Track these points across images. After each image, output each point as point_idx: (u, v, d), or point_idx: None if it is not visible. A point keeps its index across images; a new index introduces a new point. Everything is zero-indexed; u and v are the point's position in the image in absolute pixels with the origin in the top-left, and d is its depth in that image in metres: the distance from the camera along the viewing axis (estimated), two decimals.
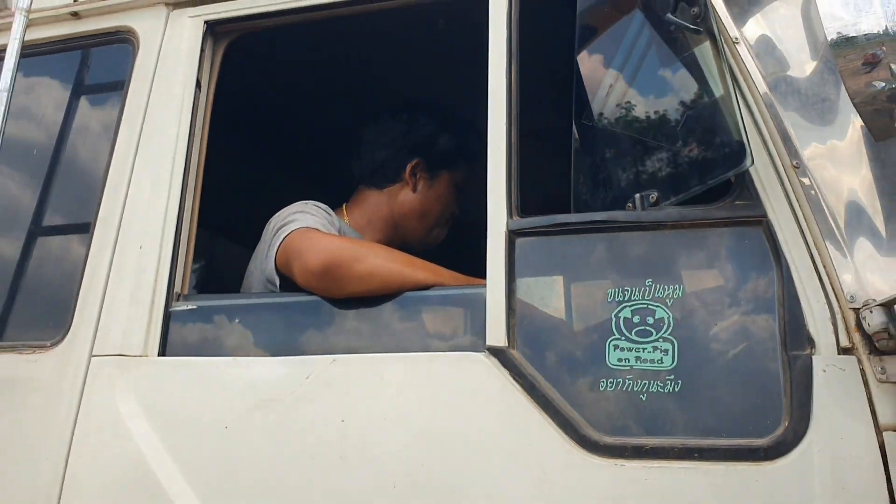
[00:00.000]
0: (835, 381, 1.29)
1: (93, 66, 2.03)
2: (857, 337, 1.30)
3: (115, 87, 1.95)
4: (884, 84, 1.08)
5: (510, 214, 1.52)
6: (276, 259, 1.74)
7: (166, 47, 1.91)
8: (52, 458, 1.60)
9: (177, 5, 1.94)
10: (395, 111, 2.15)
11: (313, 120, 2.62)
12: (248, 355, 1.60)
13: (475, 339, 1.48)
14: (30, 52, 1.96)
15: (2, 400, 1.71)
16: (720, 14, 1.49)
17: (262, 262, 1.80)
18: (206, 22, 1.91)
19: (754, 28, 1.51)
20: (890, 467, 1.24)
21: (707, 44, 1.43)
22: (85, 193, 1.86)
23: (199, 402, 1.57)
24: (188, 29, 1.91)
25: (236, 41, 1.95)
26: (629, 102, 1.54)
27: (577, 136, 1.58)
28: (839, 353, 1.30)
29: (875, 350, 1.29)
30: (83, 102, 2.01)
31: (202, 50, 1.89)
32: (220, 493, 1.50)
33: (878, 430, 1.25)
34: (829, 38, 1.14)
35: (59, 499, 1.57)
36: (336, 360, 1.52)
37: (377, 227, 2.09)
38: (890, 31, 1.07)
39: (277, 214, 1.88)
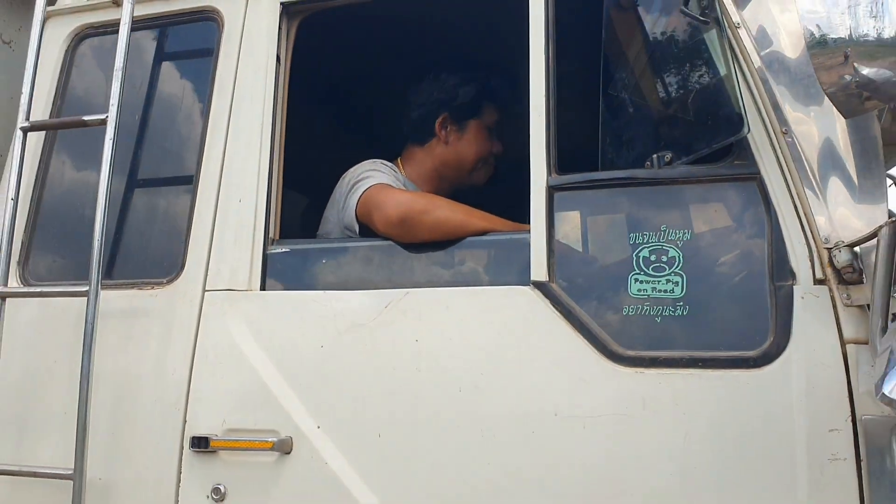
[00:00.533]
0: (811, 306, 1.64)
1: (183, 41, 2.34)
2: (829, 271, 1.64)
3: (204, 59, 2.26)
4: (850, 78, 1.39)
5: (549, 172, 1.85)
6: (357, 210, 2.09)
7: (248, 26, 2.21)
8: (178, 375, 1.98)
9: None
10: (426, 73, 2.47)
11: (372, 86, 2.93)
12: (335, 289, 1.96)
13: (522, 275, 1.83)
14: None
15: (126, 328, 2.07)
16: (725, 3, 1.79)
17: (340, 212, 2.15)
18: (281, 3, 2.21)
19: (753, 13, 1.81)
20: (850, 372, 1.59)
21: (713, 30, 1.74)
22: (187, 153, 2.19)
23: (298, 327, 1.94)
24: (266, 10, 2.21)
25: (307, 19, 2.26)
26: (647, 79, 1.86)
27: (603, 106, 1.91)
28: (815, 284, 1.65)
29: (843, 281, 1.63)
30: (177, 72, 2.33)
31: (280, 28, 2.20)
32: (318, 399, 1.87)
33: (843, 343, 1.61)
34: (805, 36, 1.45)
35: (186, 408, 1.95)
36: (409, 293, 1.88)
37: (426, 178, 2.42)
38: (855, 36, 1.37)
39: (352, 170, 2.22)
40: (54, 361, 2.11)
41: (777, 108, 1.73)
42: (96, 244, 1.97)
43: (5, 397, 2.08)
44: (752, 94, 1.76)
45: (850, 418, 1.56)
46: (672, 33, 1.81)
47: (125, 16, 2.12)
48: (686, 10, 1.74)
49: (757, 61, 1.76)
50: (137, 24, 2.26)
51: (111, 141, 2.03)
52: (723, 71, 1.74)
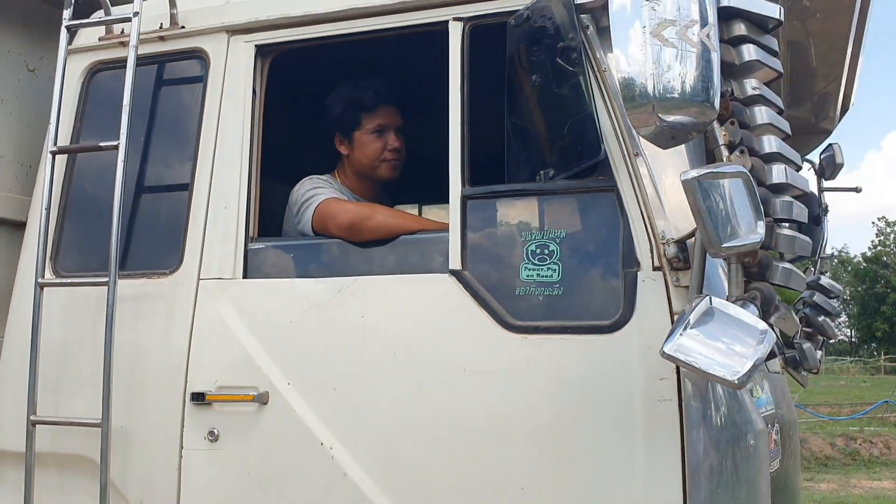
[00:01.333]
0: (650, 287, 2.19)
1: (178, 74, 2.88)
2: (663, 260, 2.19)
3: (195, 89, 2.80)
4: (657, 124, 1.91)
5: (463, 185, 2.40)
6: (313, 222, 2.64)
7: (230, 63, 2.74)
8: (179, 345, 2.55)
9: (234, 32, 2.76)
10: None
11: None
12: (301, 277, 2.53)
13: (442, 265, 2.38)
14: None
15: (138, 309, 2.64)
16: (595, 54, 2.32)
17: (296, 224, 2.70)
18: (256, 45, 2.74)
19: (614, 60, 2.33)
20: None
21: (582, 74, 2.28)
22: (182, 167, 2.74)
23: (272, 307, 2.51)
24: (244, 50, 2.74)
25: (278, 57, 2.79)
26: (535, 111, 2.40)
27: (507, 131, 2.45)
28: (653, 270, 2.20)
29: (673, 268, 2.18)
30: (174, 100, 2.86)
31: (255, 65, 2.73)
32: (288, 362, 2.44)
33: (671, 314, 2.16)
34: (620, 91, 1.96)
35: (187, 372, 2.52)
36: (356, 280, 2.45)
37: (353, 182, 2.94)
38: (656, 94, 1.89)
39: (298, 189, 2.77)
40: (82, 336, 2.68)
41: (631, 135, 2.26)
42: (113, 243, 2.53)
43: (46, 365, 2.64)
44: (613, 125, 2.30)
45: (676, 370, 2.12)
46: (551, 76, 2.34)
47: (130, 60, 2.66)
48: (560, 61, 2.28)
49: (619, 98, 2.29)
50: (141, 61, 2.77)
51: (122, 162, 2.58)
52: (590, 107, 2.28)
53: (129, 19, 2.69)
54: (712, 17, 1.91)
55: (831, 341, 3.82)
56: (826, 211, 3.96)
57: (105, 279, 2.54)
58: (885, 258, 61.75)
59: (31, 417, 2.59)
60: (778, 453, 2.43)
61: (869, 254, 64.01)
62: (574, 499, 2.17)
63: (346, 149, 2.94)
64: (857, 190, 4.06)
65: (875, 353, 44.84)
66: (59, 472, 2.68)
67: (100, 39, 2.93)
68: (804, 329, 3.71)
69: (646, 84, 1.88)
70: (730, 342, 1.83)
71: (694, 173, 1.82)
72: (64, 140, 2.87)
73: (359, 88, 2.92)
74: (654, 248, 2.21)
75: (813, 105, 3.69)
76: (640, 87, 1.88)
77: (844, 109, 3.79)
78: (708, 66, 1.88)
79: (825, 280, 3.72)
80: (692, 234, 2.12)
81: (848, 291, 68.80)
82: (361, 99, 2.91)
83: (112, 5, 2.85)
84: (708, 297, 1.90)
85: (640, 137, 2.22)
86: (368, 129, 2.92)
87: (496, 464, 2.24)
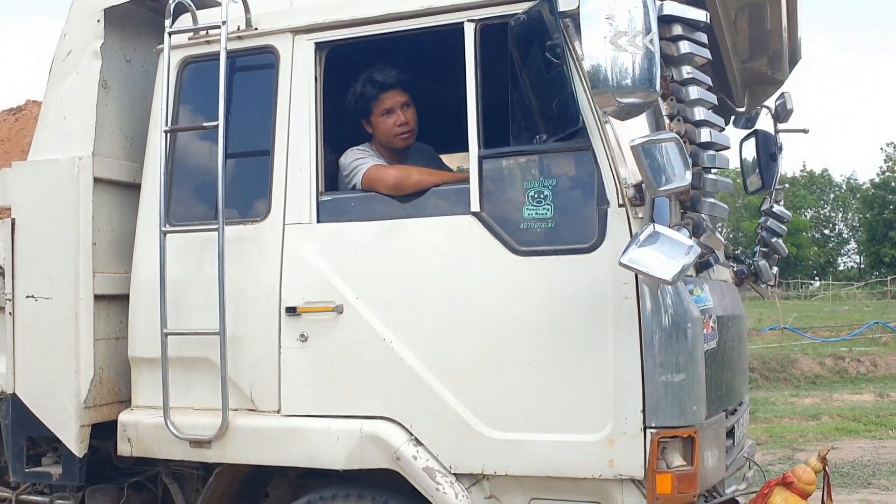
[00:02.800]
0: (616, 219, 3.04)
1: (253, 66, 3.69)
2: (626, 199, 3.04)
3: (268, 78, 3.61)
4: (616, 104, 2.73)
5: (479, 147, 3.24)
6: (362, 184, 3.50)
7: (296, 57, 3.56)
8: (273, 273, 3.44)
9: (297, 32, 3.57)
10: None
11: None
12: (360, 221, 3.40)
13: (465, 209, 3.24)
14: (212, 59, 3.62)
15: (239, 247, 3.50)
16: (573, 48, 3.12)
17: (346, 184, 3.55)
18: (315, 42, 3.56)
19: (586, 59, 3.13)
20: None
21: (565, 63, 3.10)
22: (263, 137, 3.57)
23: (340, 243, 3.38)
24: (306, 47, 3.56)
25: (332, 50, 3.60)
26: (532, 92, 3.24)
27: (512, 107, 3.28)
28: (618, 207, 3.05)
29: (632, 205, 3.03)
30: (254, 86, 3.68)
31: (314, 58, 3.56)
32: (353, 281, 3.32)
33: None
34: (588, 77, 2.77)
35: (280, 292, 3.41)
36: (402, 222, 3.33)
37: (382, 151, 3.74)
38: (614, 83, 2.69)
39: (346, 157, 3.61)
40: (194, 269, 3.57)
41: (595, 110, 3.09)
42: (220, 198, 3.41)
43: (171, 293, 3.54)
44: (588, 101, 3.12)
45: (635, 277, 2.98)
46: (542, 64, 3.17)
47: (222, 59, 3.49)
48: (548, 54, 3.10)
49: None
50: (233, 54, 3.62)
51: (222, 137, 3.44)
52: (569, 88, 3.11)
53: (218, 26, 3.52)
54: (654, 25, 2.72)
55: (784, 257, 4.68)
56: (780, 149, 4.80)
57: (215, 226, 3.42)
58: (893, 184, 62.08)
59: (164, 330, 3.51)
60: (714, 337, 3.30)
61: (877, 180, 64.35)
62: (565, 369, 3.07)
63: (369, 129, 3.78)
64: (805, 131, 4.87)
65: (883, 279, 45.66)
66: (184, 371, 3.59)
67: (189, 39, 3.75)
68: (762, 249, 4.59)
69: (607, 76, 2.70)
70: (666, 254, 2.71)
71: (638, 141, 2.68)
72: (163, 120, 3.72)
73: (363, 84, 3.72)
74: (619, 191, 3.05)
75: (769, 59, 4.45)
76: (602, 79, 2.71)
77: (794, 62, 4.54)
78: (651, 62, 2.69)
79: (777, 208, 4.57)
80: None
81: (857, 218, 69.05)
82: (365, 92, 3.71)
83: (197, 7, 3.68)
84: (652, 224, 2.77)
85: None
86: (378, 113, 3.73)
87: (509, 348, 3.14)
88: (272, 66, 3.61)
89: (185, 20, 3.75)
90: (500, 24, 3.29)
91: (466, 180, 3.30)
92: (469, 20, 3.32)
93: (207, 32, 3.70)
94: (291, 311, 3.39)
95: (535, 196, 3.18)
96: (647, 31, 2.71)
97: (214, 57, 3.63)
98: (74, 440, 3.75)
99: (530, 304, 3.14)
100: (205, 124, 3.55)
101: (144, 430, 3.62)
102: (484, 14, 3.31)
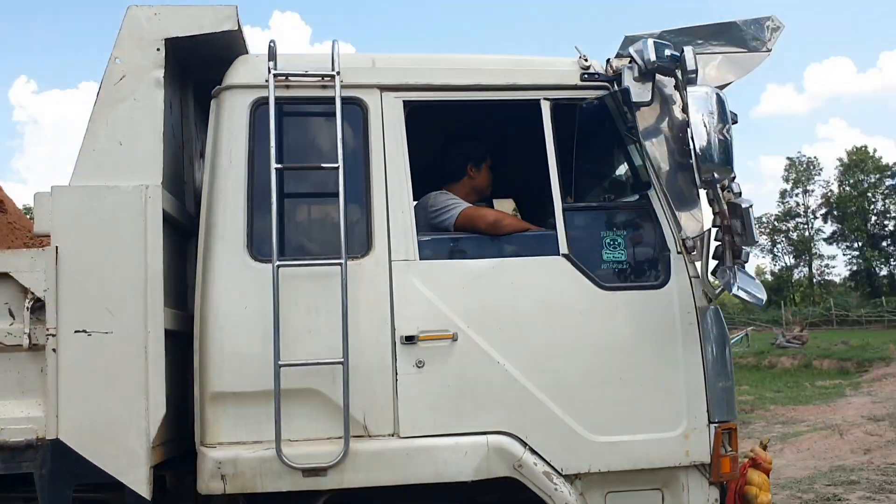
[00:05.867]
0: (677, 262, 3.95)
1: (346, 114, 3.91)
2: (682, 248, 3.97)
3: (357, 126, 3.89)
4: (712, 177, 3.68)
5: (563, 201, 3.94)
6: (457, 222, 3.97)
7: (385, 111, 3.93)
8: (384, 305, 3.71)
9: (384, 89, 3.95)
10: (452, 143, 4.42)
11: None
12: (461, 258, 3.86)
13: (555, 250, 3.90)
14: (289, 102, 3.83)
15: (339, 284, 3.69)
16: (639, 130, 4.01)
17: (431, 221, 3.99)
18: (403, 101, 3.97)
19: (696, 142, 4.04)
20: (694, 288, 3.95)
21: (634, 142, 3.99)
22: (355, 181, 3.83)
23: (446, 278, 3.80)
24: (395, 103, 3.95)
25: (415, 106, 4.02)
26: (599, 161, 4.05)
27: (583, 171, 4.04)
28: (677, 253, 3.97)
29: (688, 251, 3.97)
30: (347, 133, 3.90)
31: (403, 114, 3.96)
32: (465, 312, 3.75)
33: (690, 278, 3.95)
34: (698, 150, 3.70)
35: (392, 323, 3.69)
36: (503, 260, 3.87)
37: (463, 195, 4.26)
38: (714, 160, 3.65)
39: (435, 198, 4.06)
40: (295, 303, 3.67)
41: (659, 178, 4.00)
42: (342, 234, 3.62)
43: (264, 326, 3.58)
44: (649, 172, 4.01)
45: (695, 308, 3.91)
46: (610, 140, 4.02)
47: (338, 105, 3.73)
48: (626, 133, 3.96)
49: (655, 158, 4.01)
50: (306, 100, 3.86)
51: (342, 179, 3.67)
52: (637, 160, 4.00)
53: (332, 76, 3.77)
54: (730, 118, 3.74)
55: None
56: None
57: (339, 261, 3.61)
58: None
59: (279, 362, 3.55)
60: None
61: None
62: (649, 381, 3.86)
63: (474, 174, 4.30)
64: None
65: None
66: (285, 403, 3.62)
67: (265, 81, 3.87)
68: None
69: (713, 155, 3.65)
70: (751, 285, 3.70)
71: (747, 203, 3.65)
72: (240, 157, 3.80)
73: (485, 138, 4.30)
74: (676, 240, 3.98)
75: None
76: (709, 157, 3.65)
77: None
78: (731, 146, 3.71)
79: None
80: (700, 234, 3.94)
81: None
82: (484, 147, 4.31)
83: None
84: (735, 266, 3.74)
85: (663, 178, 3.98)
86: (486, 165, 4.32)
87: (604, 366, 3.84)
88: (359, 116, 3.91)
89: (244, 64, 3.91)
90: (569, 103, 4.07)
91: (543, 229, 3.97)
92: (545, 98, 4.04)
93: (287, 77, 3.88)
94: (410, 339, 3.70)
95: (611, 242, 3.97)
96: (726, 122, 3.72)
97: (293, 101, 3.85)
98: (144, 483, 3.53)
99: (618, 330, 3.88)
100: (323, 165, 3.75)
101: (245, 466, 3.56)
102: (559, 95, 4.06)
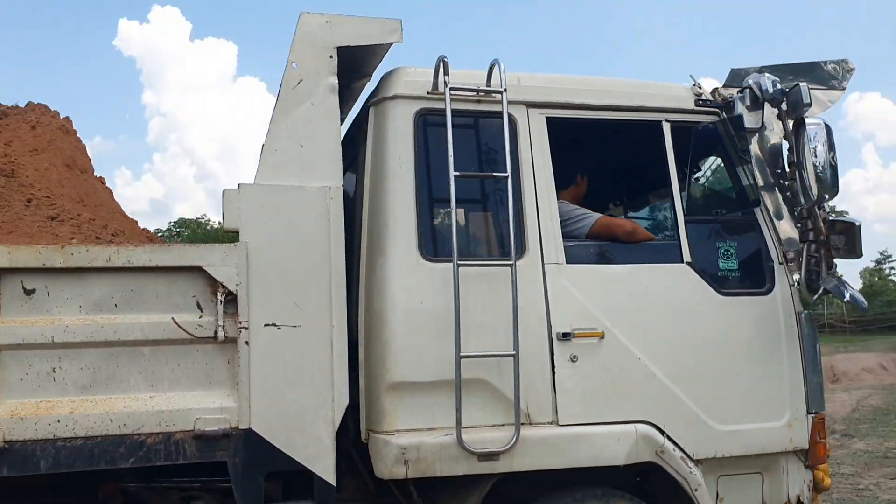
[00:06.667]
0: (780, 271, 4.48)
1: (490, 126, 4.21)
2: (784, 258, 4.50)
3: (508, 137, 4.20)
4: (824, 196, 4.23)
5: (684, 215, 4.39)
6: (592, 229, 4.35)
7: (532, 126, 4.26)
8: (540, 304, 4.04)
9: (530, 105, 4.28)
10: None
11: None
12: (600, 264, 4.24)
13: (679, 258, 4.34)
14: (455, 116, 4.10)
15: (501, 283, 3.99)
16: (750, 152, 4.51)
17: (567, 231, 4.34)
18: (546, 117, 4.31)
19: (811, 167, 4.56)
20: (793, 292, 4.47)
21: (746, 163, 4.49)
22: (507, 188, 4.14)
23: (589, 280, 4.17)
24: (539, 119, 4.29)
25: (556, 121, 4.36)
26: (711, 178, 4.53)
27: (699, 189, 4.51)
28: (779, 263, 4.50)
29: (788, 262, 4.51)
30: (490, 143, 4.20)
31: (547, 128, 4.30)
32: (609, 312, 4.14)
33: (790, 286, 4.47)
34: (817, 175, 4.24)
35: (548, 321, 4.03)
36: (639, 266, 4.28)
37: (571, 201, 4.68)
38: (826, 180, 4.19)
39: (562, 209, 4.38)
40: (467, 300, 3.94)
41: (763, 197, 4.52)
42: (512, 237, 3.92)
43: (438, 321, 3.84)
44: (756, 190, 4.52)
45: (795, 312, 4.44)
46: (725, 160, 4.50)
47: (506, 121, 4.04)
48: (739, 155, 4.45)
49: (760, 175, 4.52)
50: (463, 113, 4.14)
51: (511, 188, 3.98)
52: (747, 180, 4.50)
53: (500, 92, 4.07)
54: (835, 145, 4.29)
55: None
56: None
57: (510, 262, 3.92)
58: None
59: (461, 354, 3.81)
60: None
61: None
62: (761, 376, 4.35)
63: (581, 183, 4.71)
64: None
65: None
66: (449, 393, 3.87)
67: (428, 94, 4.14)
68: None
69: (829, 179, 4.18)
70: (852, 293, 4.26)
71: (857, 221, 4.20)
72: (408, 163, 4.04)
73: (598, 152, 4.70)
74: (779, 252, 4.50)
75: None
76: (825, 179, 4.18)
77: None
78: (837, 171, 4.26)
79: None
80: (798, 247, 4.48)
81: None
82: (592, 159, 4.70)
83: None
84: (840, 276, 4.29)
85: (764, 196, 4.51)
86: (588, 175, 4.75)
87: (725, 363, 4.30)
88: (510, 130, 4.21)
89: (405, 75, 4.17)
90: (687, 126, 4.52)
91: (666, 239, 4.41)
92: (666, 120, 4.48)
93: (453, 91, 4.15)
94: (566, 336, 4.04)
95: (725, 253, 4.45)
96: (834, 150, 4.28)
97: (453, 113, 4.10)
98: (331, 471, 3.73)
99: (733, 331, 4.36)
100: (495, 174, 4.04)
101: (427, 451, 3.80)
102: (679, 118, 4.51)
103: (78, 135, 4.62)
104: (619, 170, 5.11)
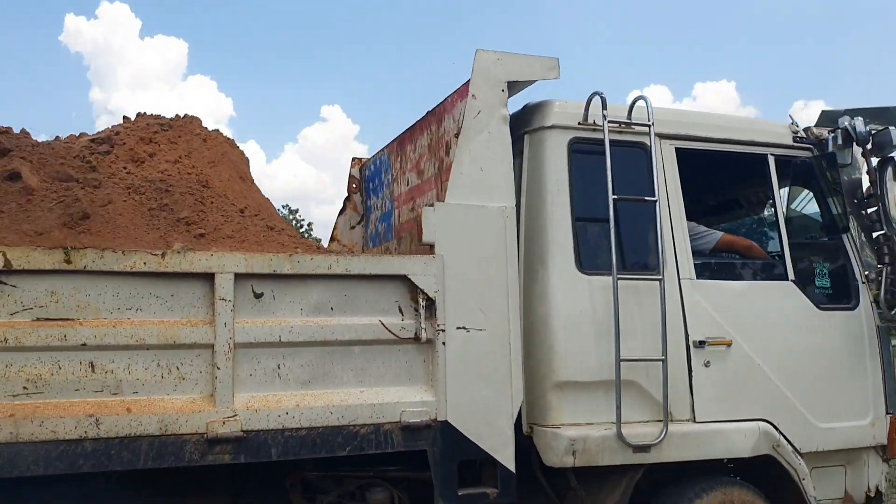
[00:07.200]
0: (863, 290, 5.14)
1: (628, 154, 4.72)
2: (867, 278, 5.17)
3: (642, 164, 4.72)
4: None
5: (789, 238, 5.00)
6: (717, 245, 4.93)
7: (664, 155, 4.80)
8: (678, 315, 4.59)
9: (661, 137, 4.83)
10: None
11: None
12: (723, 280, 4.82)
13: (785, 276, 4.96)
14: (599, 144, 4.62)
15: (644, 295, 4.52)
16: (842, 185, 5.16)
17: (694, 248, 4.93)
18: (675, 147, 4.87)
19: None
20: (872, 308, 5.14)
21: (839, 195, 5.14)
22: (646, 210, 4.67)
23: (716, 294, 4.74)
24: (669, 148, 4.84)
25: (681, 150, 4.92)
26: (806, 206, 5.18)
27: (788, 214, 5.14)
28: (861, 283, 5.16)
29: (869, 281, 5.18)
30: (631, 168, 4.71)
31: (675, 157, 4.85)
32: (734, 324, 4.72)
33: (870, 301, 5.14)
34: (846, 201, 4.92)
35: (685, 329, 4.58)
36: (757, 283, 4.88)
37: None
38: None
39: (689, 227, 4.98)
40: (625, 310, 4.44)
41: (849, 225, 5.17)
42: (662, 257, 4.46)
43: (595, 327, 4.35)
44: (845, 219, 5.18)
45: (876, 324, 5.11)
46: (823, 192, 5.14)
47: (654, 148, 4.57)
48: (834, 187, 5.10)
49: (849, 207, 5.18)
50: (614, 143, 4.65)
51: (659, 210, 4.52)
52: (836, 207, 5.15)
53: (648, 125, 4.60)
54: None
55: None
56: None
57: (658, 277, 4.45)
58: None
59: (619, 357, 4.33)
60: None
61: None
62: (850, 380, 5.00)
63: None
64: None
65: None
66: (605, 392, 4.39)
67: (579, 124, 4.65)
68: None
69: None
70: None
71: None
72: (564, 187, 4.54)
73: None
74: (861, 273, 5.16)
75: None
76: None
77: None
78: None
79: None
80: (878, 270, 5.15)
81: None
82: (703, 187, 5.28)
83: None
84: None
85: (852, 224, 5.17)
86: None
87: (820, 368, 4.93)
88: (644, 157, 4.75)
89: (559, 107, 4.67)
90: (788, 160, 5.15)
91: (772, 257, 5.03)
92: (772, 154, 5.10)
93: (594, 122, 4.67)
94: (701, 343, 4.61)
95: (820, 272, 5.09)
96: None
97: (599, 142, 4.61)
98: (511, 459, 4.19)
99: (830, 342, 5.00)
100: (645, 198, 4.56)
101: (592, 443, 4.30)
102: (782, 153, 5.14)
103: (240, 147, 4.94)
104: (726, 194, 5.72)
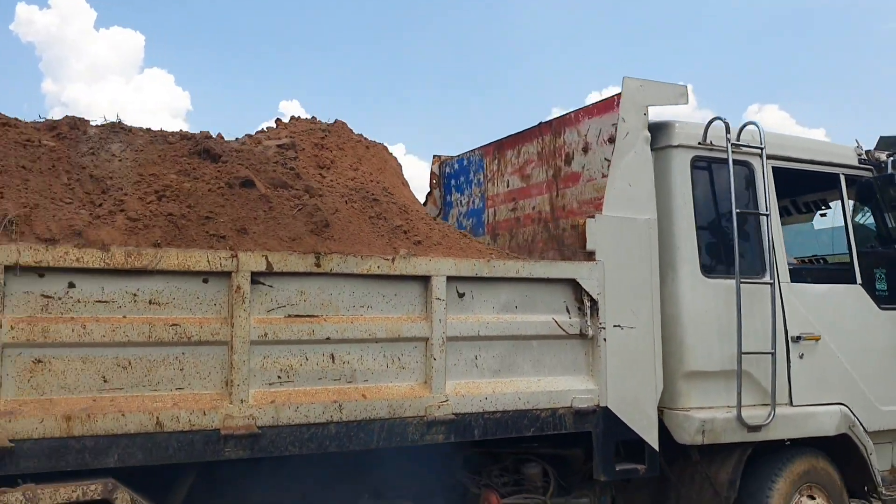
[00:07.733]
0: None
1: (736, 171, 5.39)
2: None
3: (750, 180, 5.43)
4: None
5: (857, 247, 5.80)
6: None
7: (766, 173, 5.48)
8: (780, 315, 5.32)
9: (762, 157, 5.53)
10: None
11: None
12: (809, 283, 5.59)
13: (853, 280, 5.76)
14: (712, 161, 5.29)
15: (753, 296, 5.23)
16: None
17: None
18: (773, 167, 5.57)
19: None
20: None
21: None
22: (756, 221, 5.38)
23: (805, 296, 5.50)
24: (770, 168, 5.52)
25: (776, 169, 5.62)
26: (879, 221, 6.00)
27: (854, 225, 5.95)
28: None
29: None
30: (737, 184, 5.39)
31: (772, 175, 5.56)
32: (820, 322, 5.50)
33: None
34: None
35: (785, 325, 5.32)
36: (836, 287, 5.66)
37: None
38: None
39: None
40: (730, 308, 5.14)
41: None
42: (776, 264, 5.17)
43: (714, 325, 5.05)
44: None
45: None
46: (878, 205, 5.96)
47: (763, 165, 5.26)
48: (888, 204, 5.92)
49: None
50: (715, 160, 5.33)
51: (769, 222, 5.22)
52: (890, 223, 5.98)
53: (761, 147, 5.29)
54: None
55: None
56: None
57: (770, 281, 5.17)
58: None
59: (741, 350, 5.03)
60: None
61: None
62: None
63: None
64: None
65: None
66: (725, 381, 5.10)
67: (699, 144, 5.30)
68: None
69: None
70: None
71: None
72: (689, 200, 5.20)
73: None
74: None
75: None
76: None
77: None
78: None
79: None
80: None
81: None
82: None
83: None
84: None
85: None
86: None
87: (881, 359, 5.77)
88: (749, 174, 5.45)
89: (682, 129, 5.32)
90: (854, 179, 5.94)
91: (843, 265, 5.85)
92: (843, 174, 5.89)
93: (711, 142, 5.33)
94: (798, 338, 5.36)
95: (879, 277, 5.92)
96: None
97: (714, 160, 5.30)
98: (656, 441, 4.85)
99: (889, 336, 5.84)
100: (759, 212, 5.26)
101: (718, 424, 5.00)
102: (851, 173, 5.93)
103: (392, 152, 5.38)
104: (800, 207, 6.51)
